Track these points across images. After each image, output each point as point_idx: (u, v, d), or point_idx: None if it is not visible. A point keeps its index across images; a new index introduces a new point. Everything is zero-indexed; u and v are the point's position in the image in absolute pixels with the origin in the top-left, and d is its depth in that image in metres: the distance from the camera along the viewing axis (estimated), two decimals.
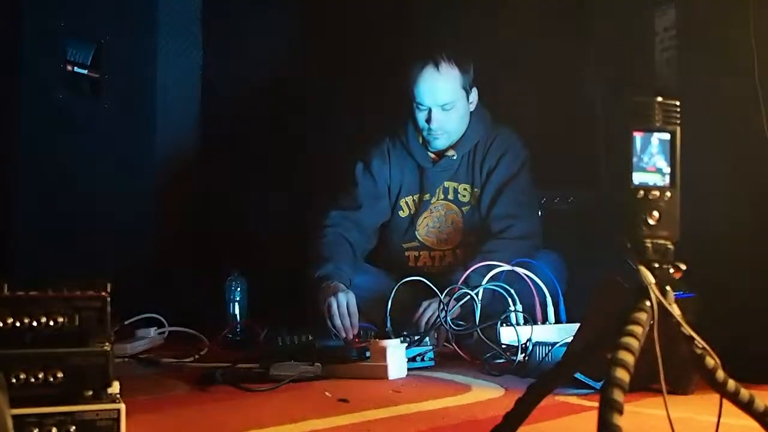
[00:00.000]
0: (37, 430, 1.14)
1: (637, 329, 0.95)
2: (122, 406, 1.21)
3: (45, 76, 2.80)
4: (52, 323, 1.21)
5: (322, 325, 2.32)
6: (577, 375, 1.54)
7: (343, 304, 2.32)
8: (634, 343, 0.93)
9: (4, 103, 2.70)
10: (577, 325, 1.81)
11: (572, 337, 1.71)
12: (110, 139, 2.99)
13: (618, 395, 0.89)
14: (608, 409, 0.88)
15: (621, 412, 0.88)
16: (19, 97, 2.69)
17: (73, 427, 1.17)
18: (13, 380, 1.15)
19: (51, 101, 2.79)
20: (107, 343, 1.25)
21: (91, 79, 2.93)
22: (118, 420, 1.20)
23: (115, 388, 1.27)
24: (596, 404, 1.45)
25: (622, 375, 0.90)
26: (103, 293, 1.26)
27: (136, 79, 3.12)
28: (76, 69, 2.89)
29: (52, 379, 1.18)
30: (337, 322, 2.29)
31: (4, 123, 2.68)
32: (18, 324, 1.19)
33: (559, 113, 2.87)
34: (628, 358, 0.91)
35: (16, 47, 2.70)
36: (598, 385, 1.52)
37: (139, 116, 3.13)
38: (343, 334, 2.29)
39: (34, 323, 1.20)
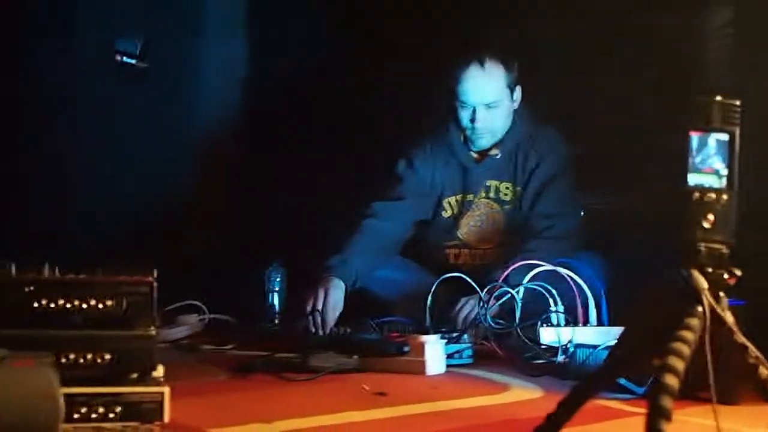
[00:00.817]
0: (85, 409, 1.17)
1: (689, 335, 0.93)
2: (166, 390, 1.23)
3: (96, 66, 2.84)
4: (100, 306, 1.23)
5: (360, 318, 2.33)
6: (620, 380, 1.52)
7: (321, 298, 2.33)
8: (685, 350, 0.92)
9: (57, 93, 2.75)
10: (620, 328, 1.79)
11: (616, 341, 1.69)
12: (156, 129, 3.03)
13: (667, 402, 0.88)
14: (657, 416, 0.87)
15: (669, 420, 0.87)
16: (71, 87, 2.74)
17: (119, 408, 1.19)
18: (63, 360, 1.18)
19: (101, 91, 2.84)
20: (152, 328, 1.27)
21: (139, 69, 2.96)
22: (162, 403, 1.22)
23: (159, 371, 1.29)
24: (638, 410, 1.45)
25: (672, 381, 0.89)
26: (150, 279, 1.28)
27: (180, 69, 3.15)
28: (124, 59, 2.93)
29: (99, 361, 1.21)
30: (311, 313, 2.30)
31: (58, 113, 2.73)
32: (68, 306, 1.22)
33: (604, 112, 2.84)
34: (679, 365, 0.90)
35: (69, 38, 2.74)
36: (641, 390, 1.50)
37: (183, 105, 3.16)
38: (312, 329, 2.28)
39: (84, 306, 1.23)
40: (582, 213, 2.72)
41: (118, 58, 2.91)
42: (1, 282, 1.21)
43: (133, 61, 2.95)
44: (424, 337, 1.94)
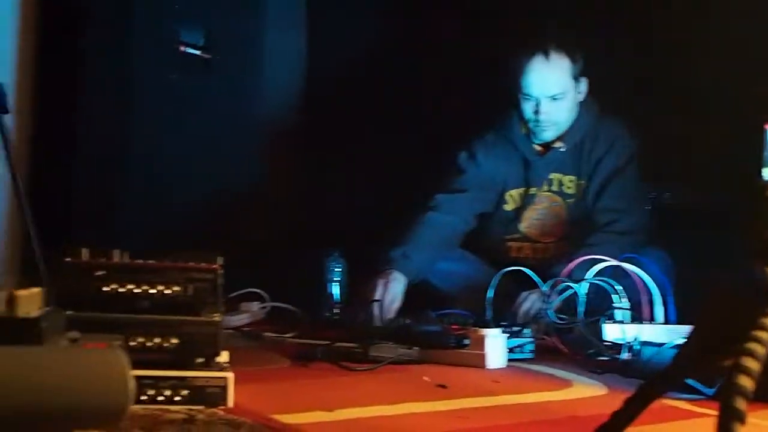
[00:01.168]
0: (152, 391, 1.20)
1: (764, 335, 0.90)
2: (230, 375, 1.25)
3: (159, 57, 2.88)
4: (168, 292, 1.26)
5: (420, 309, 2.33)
6: (688, 380, 1.49)
7: (381, 291, 2.34)
8: (760, 350, 0.89)
9: (119, 83, 2.80)
10: (687, 326, 1.75)
11: (684, 339, 1.65)
12: (218, 118, 3.07)
13: (740, 404, 0.85)
14: (729, 418, 0.84)
15: (743, 422, 0.84)
16: (133, 78, 2.79)
17: (185, 392, 1.21)
18: (132, 343, 1.21)
19: (164, 81, 2.88)
20: (218, 314, 1.29)
21: (203, 59, 3.00)
22: (226, 388, 1.24)
23: (224, 357, 1.31)
24: (707, 411, 1.42)
25: (746, 383, 0.86)
26: (216, 266, 1.30)
27: (243, 60, 3.19)
28: (188, 50, 2.96)
29: (166, 345, 1.23)
30: (371, 304, 2.30)
31: (120, 103, 2.79)
32: (137, 291, 1.24)
33: (671, 104, 2.77)
34: (753, 366, 0.87)
35: (131, 29, 2.79)
36: (710, 391, 1.47)
37: (245, 96, 3.20)
38: (371, 322, 2.28)
39: (152, 291, 1.25)
40: (648, 207, 2.66)
41: (182, 48, 2.94)
42: (73, 266, 1.24)
43: (197, 52, 2.98)
44: (485, 331, 1.93)
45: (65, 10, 2.91)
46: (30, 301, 0.91)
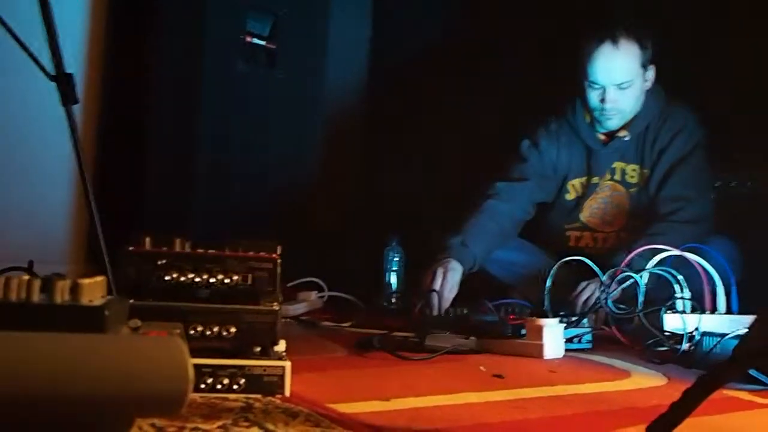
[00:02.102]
0: (211, 380, 1.22)
1: None
2: (288, 364, 1.27)
3: (226, 47, 2.92)
4: (227, 281, 1.28)
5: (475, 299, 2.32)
6: (751, 370, 1.45)
7: (439, 279, 2.31)
8: None
9: (187, 72, 2.85)
10: (751, 316, 1.70)
11: (747, 330, 1.60)
12: (282, 108, 3.10)
13: None
14: None
15: None
16: (201, 67, 2.83)
17: (243, 380, 1.23)
18: (191, 332, 1.23)
19: (230, 71, 2.92)
20: (276, 303, 1.31)
21: (268, 50, 3.03)
22: (283, 376, 1.26)
23: (281, 346, 1.33)
24: None
25: None
26: (275, 256, 1.32)
27: (308, 51, 3.21)
28: (254, 40, 3.00)
29: (225, 334, 1.25)
30: (429, 293, 2.29)
31: (188, 93, 2.83)
32: (197, 279, 1.27)
33: (740, 91, 2.69)
34: None
35: (201, 19, 2.83)
36: None
37: (309, 86, 3.22)
38: (428, 311, 2.26)
39: (212, 280, 1.27)
40: (713, 196, 2.60)
41: (248, 39, 2.98)
42: (135, 255, 1.27)
43: (263, 43, 3.01)
44: (543, 321, 1.91)
45: (135, 1, 2.97)
46: (93, 289, 0.93)
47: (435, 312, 2.28)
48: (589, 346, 2.02)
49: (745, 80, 2.69)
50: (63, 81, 1.85)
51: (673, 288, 2.02)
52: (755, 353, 1.16)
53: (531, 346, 1.89)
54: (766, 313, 1.60)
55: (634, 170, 2.61)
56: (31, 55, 1.84)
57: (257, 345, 1.28)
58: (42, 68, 1.86)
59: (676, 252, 2.12)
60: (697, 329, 1.88)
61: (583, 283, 2.33)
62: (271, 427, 1.08)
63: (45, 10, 1.83)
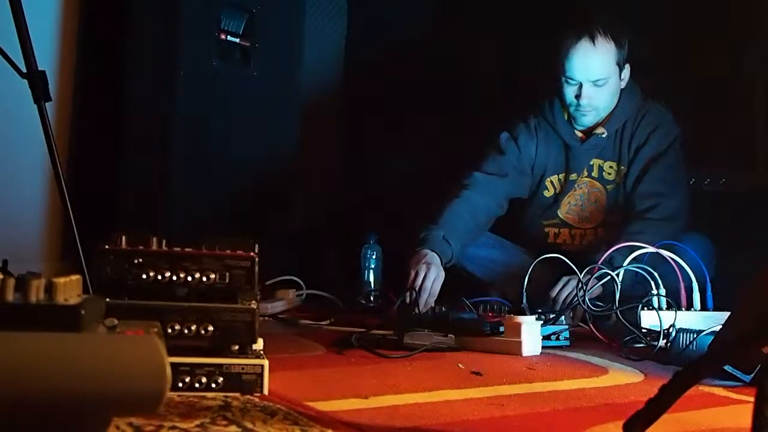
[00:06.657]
0: (188, 378, 1.21)
1: None
2: (266, 362, 1.26)
3: (201, 44, 2.91)
4: (204, 279, 1.27)
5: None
6: (726, 366, 1.47)
7: (430, 280, 2.29)
8: None
9: (162, 69, 2.83)
10: (726, 313, 1.72)
11: (722, 326, 1.62)
12: (258, 106, 3.08)
13: None
14: (766, 403, 0.83)
15: None
16: (176, 65, 2.81)
17: (221, 379, 1.23)
18: (169, 330, 1.22)
19: (205, 68, 2.90)
20: (254, 302, 1.30)
21: (242, 47, 3.02)
22: (261, 375, 1.25)
23: (259, 344, 1.32)
24: (744, 397, 1.40)
25: None
26: (252, 254, 1.31)
27: (283, 48, 3.19)
28: (229, 38, 2.98)
29: (203, 332, 1.25)
30: (418, 288, 2.26)
31: (164, 88, 2.81)
32: (174, 278, 1.26)
33: (714, 90, 2.72)
34: None
35: (175, 17, 2.81)
36: (748, 378, 1.45)
37: (284, 83, 3.20)
38: (416, 309, 2.26)
39: (189, 278, 1.26)
40: (689, 193, 2.62)
41: (223, 36, 2.96)
42: (111, 253, 1.26)
43: (236, 40, 3.00)
44: (521, 318, 1.92)
45: None
46: (69, 288, 0.92)
47: (423, 308, 2.27)
48: (567, 343, 2.03)
49: (720, 79, 2.72)
50: (35, 78, 1.83)
51: (650, 285, 2.04)
52: (730, 349, 1.17)
53: (509, 343, 1.89)
54: (740, 309, 1.62)
55: (611, 167, 2.62)
56: (2, 52, 1.82)
57: (235, 343, 1.27)
58: (14, 66, 1.83)
59: (651, 249, 2.13)
60: (673, 326, 1.89)
61: (562, 280, 2.34)
62: (249, 425, 1.07)
63: (15, 7, 1.80)
